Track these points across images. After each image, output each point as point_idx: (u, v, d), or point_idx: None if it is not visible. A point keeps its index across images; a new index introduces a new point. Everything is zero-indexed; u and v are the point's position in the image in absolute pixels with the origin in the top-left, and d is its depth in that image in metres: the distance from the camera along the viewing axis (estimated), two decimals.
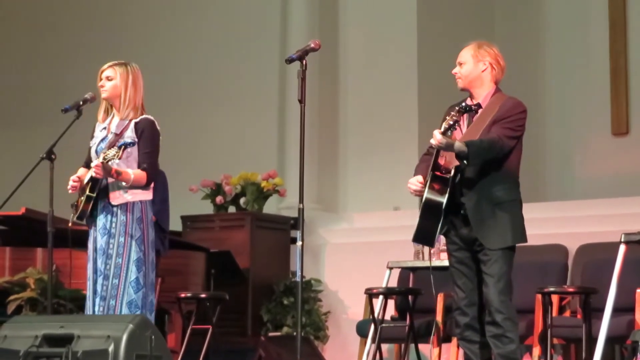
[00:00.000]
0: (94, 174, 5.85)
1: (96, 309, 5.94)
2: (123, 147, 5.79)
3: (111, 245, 5.97)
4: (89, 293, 6.05)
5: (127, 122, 6.07)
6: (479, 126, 5.58)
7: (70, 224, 6.17)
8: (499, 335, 5.51)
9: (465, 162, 5.46)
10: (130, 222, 5.98)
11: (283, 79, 10.28)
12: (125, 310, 5.90)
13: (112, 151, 5.80)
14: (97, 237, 6.01)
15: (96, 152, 6.08)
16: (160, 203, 6.72)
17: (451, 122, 5.37)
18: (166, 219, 7.32)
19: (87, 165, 6.16)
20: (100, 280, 5.95)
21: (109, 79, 6.10)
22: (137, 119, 6.07)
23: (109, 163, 5.82)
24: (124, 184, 5.94)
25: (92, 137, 6.21)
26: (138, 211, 6.02)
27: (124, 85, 6.08)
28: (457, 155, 5.45)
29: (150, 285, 6.06)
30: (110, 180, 5.96)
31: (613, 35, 10.22)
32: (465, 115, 5.61)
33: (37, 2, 12.06)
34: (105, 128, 6.15)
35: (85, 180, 6.01)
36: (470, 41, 5.79)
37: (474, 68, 5.68)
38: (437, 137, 5.38)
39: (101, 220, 6.01)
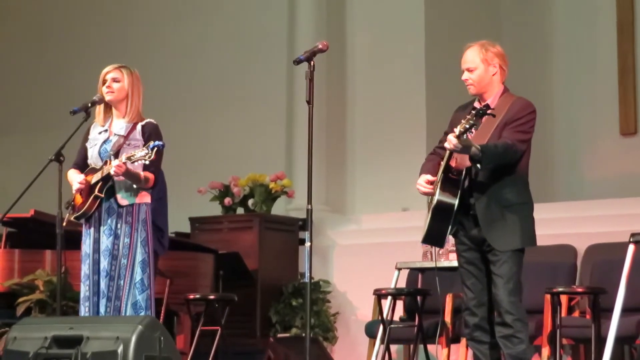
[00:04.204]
0: (112, 172, 5.85)
1: (102, 309, 5.95)
2: (155, 148, 5.75)
3: (116, 247, 5.99)
4: (86, 294, 6.04)
5: (132, 124, 6.09)
6: (489, 128, 5.53)
7: (64, 224, 6.18)
8: (508, 335, 5.50)
9: (478, 165, 5.42)
10: (135, 224, 6.00)
11: (291, 80, 10.27)
12: (130, 311, 5.92)
13: (142, 152, 5.76)
14: (102, 238, 6.02)
15: (99, 153, 6.09)
16: (156, 201, 6.66)
17: (467, 126, 5.26)
18: (163, 218, 7.04)
19: (81, 168, 6.16)
20: (106, 281, 5.97)
21: (116, 80, 6.11)
22: (143, 122, 6.11)
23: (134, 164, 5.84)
24: (134, 185, 5.96)
25: (86, 139, 6.22)
26: (143, 213, 6.05)
27: (131, 88, 6.11)
28: (470, 158, 5.41)
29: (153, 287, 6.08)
30: (119, 178, 5.96)
31: (621, 36, 10.21)
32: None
33: (43, 8, 12.08)
34: (106, 130, 6.15)
35: (94, 180, 6.01)
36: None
37: (486, 73, 5.60)
38: (452, 141, 5.31)
39: (106, 221, 6.02)
